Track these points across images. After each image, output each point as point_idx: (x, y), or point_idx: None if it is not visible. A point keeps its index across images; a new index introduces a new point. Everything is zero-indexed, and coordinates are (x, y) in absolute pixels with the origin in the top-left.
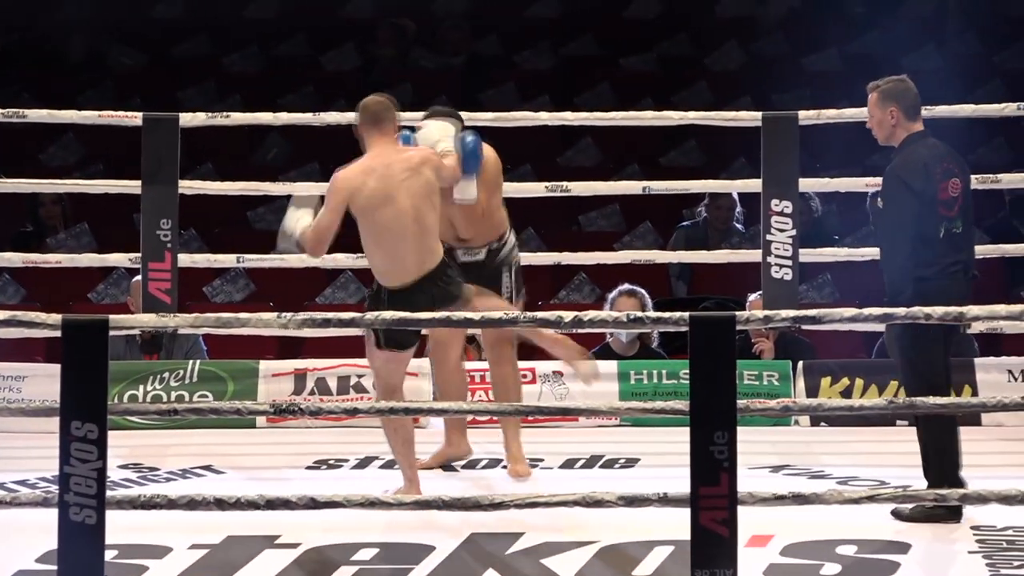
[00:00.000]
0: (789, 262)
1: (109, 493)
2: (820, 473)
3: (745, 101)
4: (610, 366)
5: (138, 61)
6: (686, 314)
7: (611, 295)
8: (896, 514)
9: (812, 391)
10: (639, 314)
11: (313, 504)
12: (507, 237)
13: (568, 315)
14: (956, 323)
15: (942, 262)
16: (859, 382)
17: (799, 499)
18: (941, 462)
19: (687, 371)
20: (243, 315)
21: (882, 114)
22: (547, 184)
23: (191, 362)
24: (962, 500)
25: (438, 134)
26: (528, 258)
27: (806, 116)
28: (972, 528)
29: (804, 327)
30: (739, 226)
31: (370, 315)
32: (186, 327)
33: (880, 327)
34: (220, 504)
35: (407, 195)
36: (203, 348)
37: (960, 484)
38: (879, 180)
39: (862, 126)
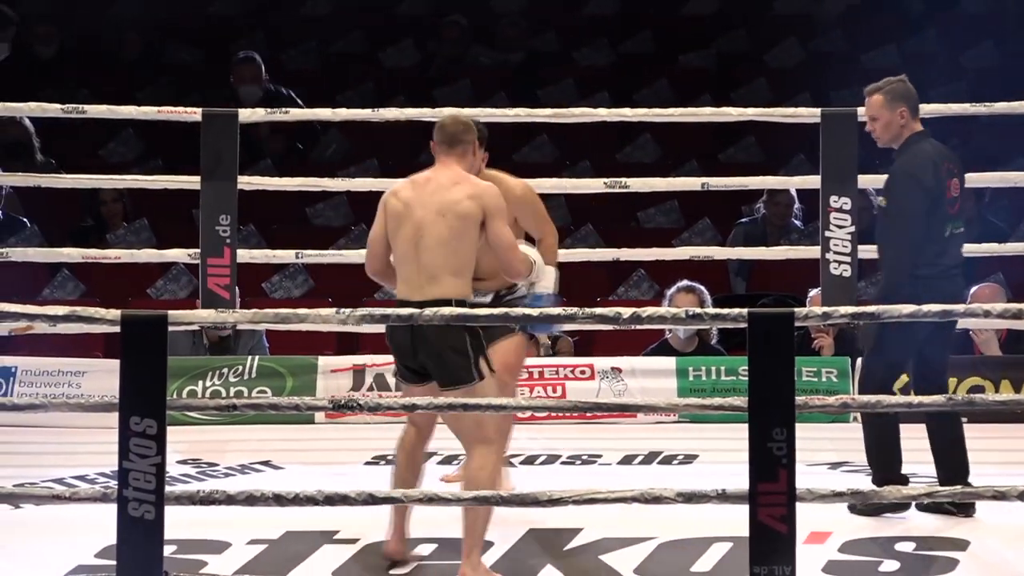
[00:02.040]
0: (848, 258)
1: (168, 488)
2: None
3: (804, 98)
4: (669, 362)
5: (196, 58)
6: (745, 310)
7: (669, 291)
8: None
9: None
10: (698, 310)
11: (372, 500)
12: (518, 289)
13: (626, 311)
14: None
15: (944, 263)
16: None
17: (858, 496)
18: (882, 459)
19: (746, 367)
20: (302, 311)
21: (891, 115)
22: (606, 180)
23: (250, 358)
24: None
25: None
26: (586, 254)
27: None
28: None
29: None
30: (798, 222)
31: (429, 311)
32: (245, 323)
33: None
34: (279, 500)
35: (429, 215)
36: (265, 345)
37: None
38: None
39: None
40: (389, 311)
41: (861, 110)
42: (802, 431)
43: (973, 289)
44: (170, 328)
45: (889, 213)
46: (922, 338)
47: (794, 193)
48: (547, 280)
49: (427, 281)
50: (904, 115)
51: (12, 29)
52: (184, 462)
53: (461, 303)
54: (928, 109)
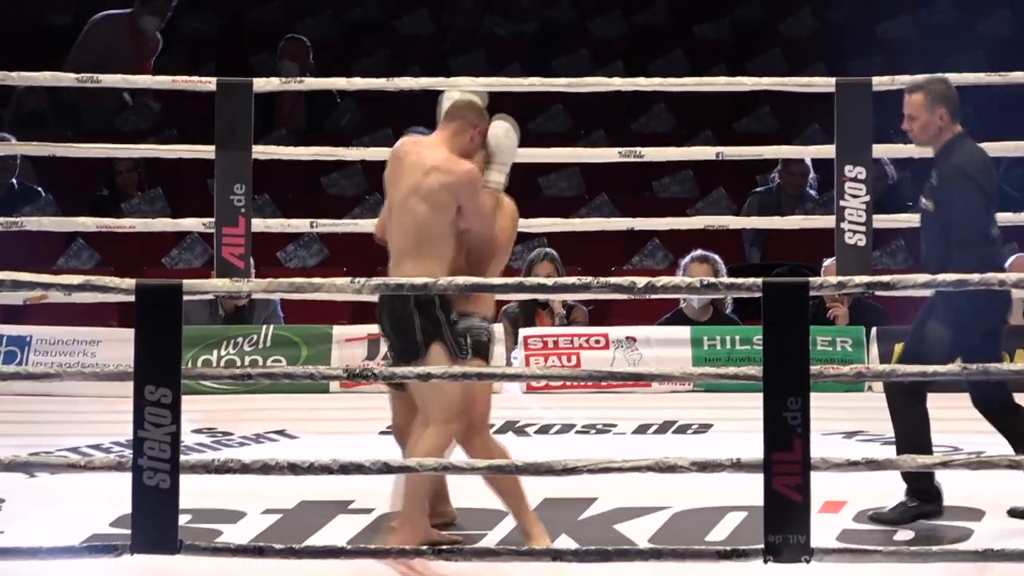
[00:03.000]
0: (863, 228)
1: (183, 457)
2: (893, 439)
3: (818, 67)
4: (683, 332)
5: (210, 26)
6: (759, 280)
7: (684, 261)
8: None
9: (885, 357)
10: (712, 280)
11: (387, 469)
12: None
13: (641, 281)
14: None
15: (999, 264)
16: None
17: (872, 465)
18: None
19: (760, 337)
20: (316, 280)
21: (931, 116)
22: (620, 150)
23: (265, 327)
24: None
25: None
26: (601, 224)
27: (880, 82)
28: None
29: (878, 293)
30: (812, 192)
31: (443, 280)
32: (259, 292)
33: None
34: (293, 469)
35: (400, 196)
36: (280, 315)
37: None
38: None
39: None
40: (404, 280)
41: (876, 79)
42: (817, 400)
43: (1011, 259)
44: (185, 297)
45: (946, 215)
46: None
47: (809, 163)
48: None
49: (396, 263)
50: (944, 117)
51: None
52: (199, 431)
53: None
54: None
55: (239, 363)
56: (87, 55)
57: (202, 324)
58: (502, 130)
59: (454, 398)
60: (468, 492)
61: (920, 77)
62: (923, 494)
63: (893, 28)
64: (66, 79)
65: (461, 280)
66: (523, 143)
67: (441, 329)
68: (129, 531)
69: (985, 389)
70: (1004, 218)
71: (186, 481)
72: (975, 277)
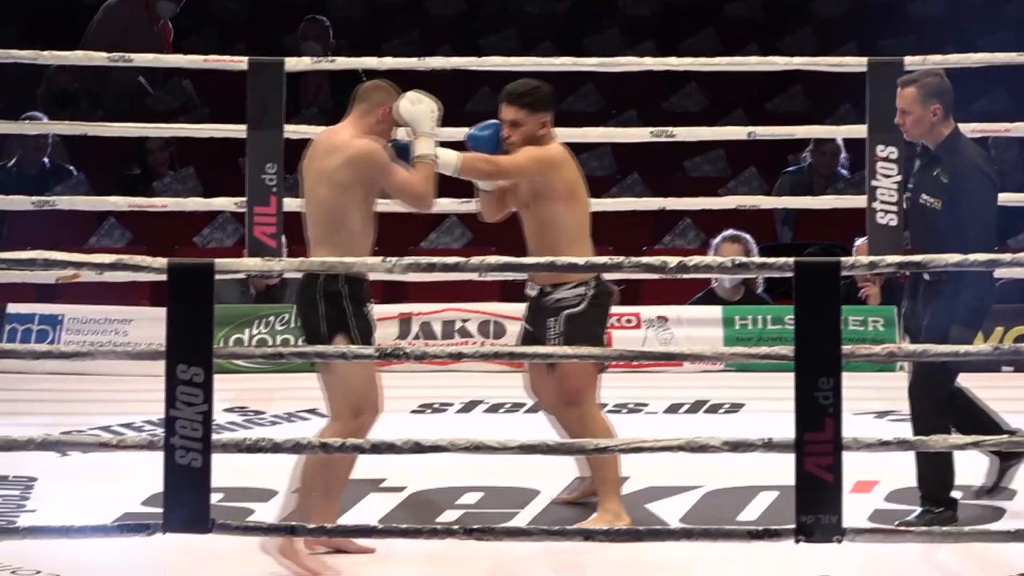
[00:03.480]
0: (894, 207)
1: (215, 436)
2: None
3: (850, 47)
4: (715, 311)
5: (242, 6)
6: (791, 259)
7: (715, 240)
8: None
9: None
10: (744, 259)
11: (418, 448)
12: (567, 287)
13: (673, 260)
14: None
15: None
16: None
17: (904, 445)
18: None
19: (792, 317)
20: (348, 260)
21: (924, 112)
22: (652, 129)
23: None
24: None
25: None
26: (632, 203)
27: (912, 61)
28: None
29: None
30: (844, 172)
31: (475, 259)
32: (291, 271)
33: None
34: (325, 448)
35: (310, 183)
36: None
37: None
38: (988, 126)
39: (968, 72)
40: (435, 260)
41: (908, 59)
42: (848, 380)
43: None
44: (216, 276)
45: (960, 213)
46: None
47: (840, 142)
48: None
49: (312, 253)
50: (937, 112)
51: None
52: (231, 410)
53: (332, 278)
54: (975, 59)
55: (271, 342)
56: (101, 39)
57: (233, 303)
58: (405, 100)
59: (360, 392)
60: (499, 471)
61: (918, 69)
62: (943, 502)
63: (924, 7)
64: (97, 58)
65: (493, 260)
66: (555, 122)
67: (346, 320)
68: (161, 510)
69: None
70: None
71: (218, 460)
72: (1006, 257)
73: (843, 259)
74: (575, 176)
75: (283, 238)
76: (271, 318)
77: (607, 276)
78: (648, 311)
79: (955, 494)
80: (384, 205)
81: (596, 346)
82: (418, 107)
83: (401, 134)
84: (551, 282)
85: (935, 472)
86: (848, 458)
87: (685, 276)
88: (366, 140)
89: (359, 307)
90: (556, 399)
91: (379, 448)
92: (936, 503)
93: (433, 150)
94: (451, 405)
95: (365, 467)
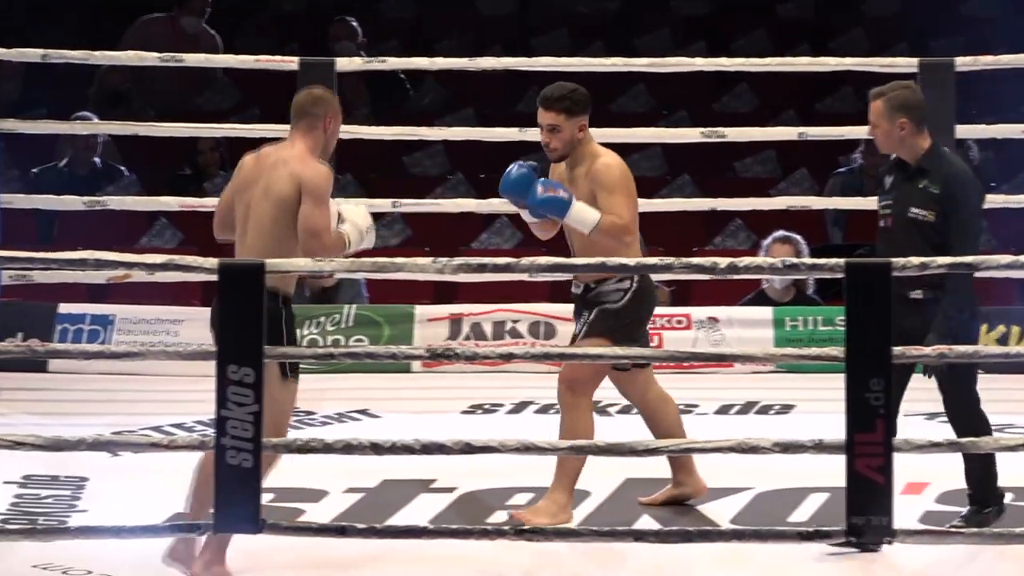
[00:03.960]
0: None
1: (265, 437)
2: None
3: (901, 47)
4: (765, 312)
5: (295, 5)
6: (841, 260)
7: (766, 242)
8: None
9: None
10: (794, 260)
11: (468, 449)
12: (610, 283)
13: (723, 261)
14: None
15: None
16: (1015, 329)
17: (955, 446)
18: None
19: (843, 317)
20: (399, 260)
21: (890, 126)
22: (702, 130)
23: (347, 307)
24: None
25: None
26: (683, 204)
27: (963, 62)
28: None
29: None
30: None
31: (526, 260)
32: (342, 271)
33: None
34: (376, 448)
35: (256, 196)
36: (365, 295)
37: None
38: None
39: (1020, 72)
40: (486, 260)
41: (959, 60)
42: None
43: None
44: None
45: (952, 224)
46: None
47: None
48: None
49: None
50: (904, 126)
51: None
52: None
53: (274, 295)
54: None
55: (321, 342)
56: (113, 80)
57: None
58: (352, 204)
59: (280, 420)
60: (550, 472)
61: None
62: (989, 501)
63: (977, 7)
64: (149, 59)
65: (544, 260)
66: (606, 123)
67: (280, 343)
68: (211, 510)
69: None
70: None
71: (269, 460)
72: None
73: (894, 260)
74: (632, 182)
75: None
76: (322, 318)
77: (656, 277)
78: (699, 312)
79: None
80: (435, 205)
81: (625, 343)
82: (360, 211)
83: None
84: (595, 279)
85: (982, 473)
86: (899, 459)
87: (736, 277)
88: (319, 163)
89: (292, 332)
90: (561, 378)
91: (429, 449)
92: (983, 503)
93: (352, 236)
94: (501, 406)
95: (415, 467)
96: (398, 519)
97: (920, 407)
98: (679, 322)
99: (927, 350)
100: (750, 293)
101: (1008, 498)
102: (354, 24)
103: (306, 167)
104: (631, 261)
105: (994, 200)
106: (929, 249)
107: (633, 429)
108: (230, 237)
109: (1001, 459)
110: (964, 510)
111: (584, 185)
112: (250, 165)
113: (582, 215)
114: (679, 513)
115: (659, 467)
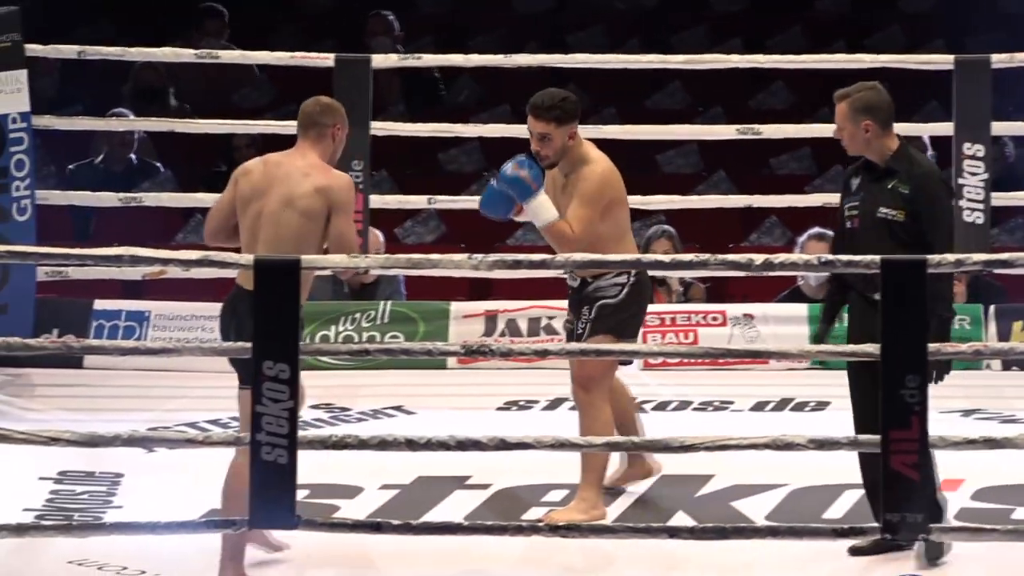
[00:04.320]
0: (981, 206)
1: (300, 433)
2: (1012, 417)
3: (938, 44)
4: (800, 309)
5: (333, 2)
6: (877, 257)
7: (801, 238)
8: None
9: (1003, 335)
10: (830, 257)
11: (503, 445)
12: (607, 278)
13: (759, 258)
14: None
15: None
16: None
17: (990, 443)
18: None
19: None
20: (434, 256)
21: (855, 128)
22: (738, 127)
23: (383, 303)
24: None
25: None
26: (718, 201)
27: (999, 59)
28: None
29: (996, 271)
30: None
31: (561, 256)
32: (377, 268)
33: None
34: (411, 445)
35: (272, 206)
36: (403, 292)
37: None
38: None
39: None
40: (521, 257)
41: (995, 57)
42: None
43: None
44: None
45: (924, 220)
46: None
47: (927, 140)
48: None
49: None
50: (869, 128)
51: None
52: (316, 407)
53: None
54: None
55: (357, 339)
56: (149, 77)
57: (326, 300)
58: None
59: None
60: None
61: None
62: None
63: (1015, 3)
64: (185, 55)
65: (579, 256)
66: (641, 120)
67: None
68: (247, 506)
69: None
70: None
71: (304, 456)
72: None
73: (929, 257)
74: (620, 187)
75: (369, 235)
76: (357, 315)
77: (696, 273)
78: (734, 309)
79: None
80: (467, 202)
81: (623, 336)
82: None
83: None
84: (591, 274)
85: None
86: (934, 456)
87: (771, 274)
88: (340, 174)
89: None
90: (573, 379)
91: (464, 445)
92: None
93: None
94: (536, 402)
95: (450, 464)
96: (433, 516)
97: (956, 404)
98: (714, 319)
99: (963, 347)
100: (785, 290)
101: None
102: (391, 19)
103: (332, 179)
104: (666, 258)
105: None
106: (899, 248)
107: (667, 426)
108: (223, 244)
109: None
110: (999, 507)
111: (572, 190)
112: (258, 172)
113: (540, 209)
114: (715, 509)
115: (696, 464)
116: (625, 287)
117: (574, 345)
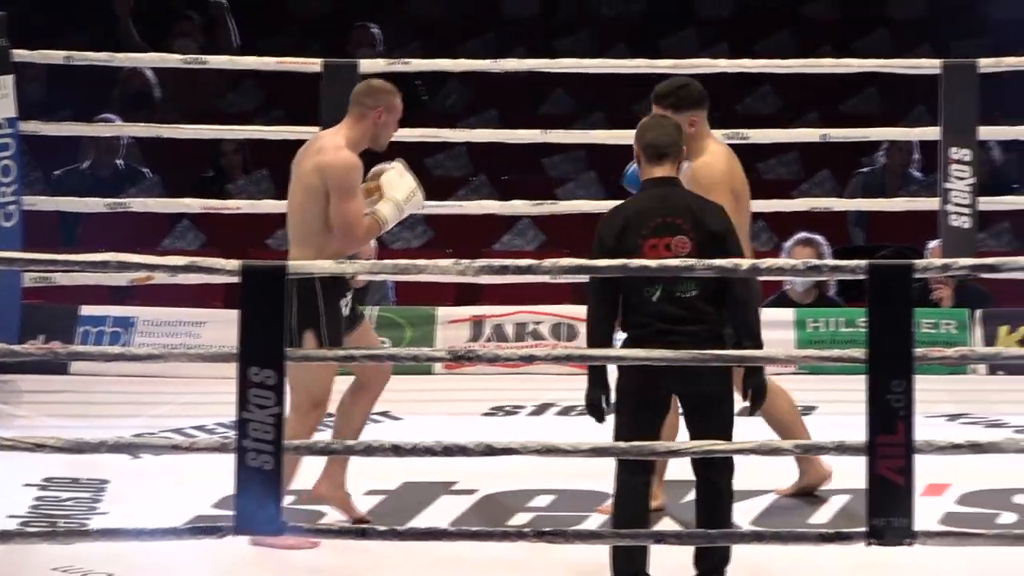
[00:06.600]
0: (968, 210)
1: (286, 439)
2: (997, 422)
3: (925, 48)
4: (787, 314)
5: (320, 7)
6: (864, 262)
7: (788, 243)
8: None
9: (990, 339)
10: (816, 262)
11: (490, 451)
12: None
13: (745, 263)
14: None
15: None
16: None
17: (976, 448)
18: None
19: (864, 319)
20: (421, 262)
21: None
22: (725, 131)
23: (369, 308)
24: None
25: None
26: None
27: (986, 64)
28: None
29: (982, 276)
30: (917, 174)
31: (548, 262)
32: (364, 273)
33: None
34: (397, 450)
35: (294, 180)
36: (391, 297)
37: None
38: None
39: None
40: (508, 262)
41: (982, 62)
42: (920, 383)
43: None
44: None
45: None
46: None
47: (914, 144)
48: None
49: (291, 251)
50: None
51: None
52: None
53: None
54: None
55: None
56: (137, 83)
57: None
58: (394, 172)
59: (323, 387)
60: (571, 474)
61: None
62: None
63: (1000, 9)
64: (172, 60)
65: (566, 262)
66: (629, 125)
67: (317, 317)
68: (232, 512)
69: None
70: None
71: (290, 462)
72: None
73: (916, 261)
74: (725, 183)
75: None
76: None
77: None
78: None
79: None
80: (454, 207)
81: None
82: (402, 179)
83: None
84: None
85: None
86: (920, 461)
87: (759, 278)
88: (346, 153)
89: (331, 305)
90: None
91: (451, 451)
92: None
93: (387, 214)
94: (523, 408)
95: (437, 469)
96: (419, 521)
97: (941, 408)
98: None
99: (949, 352)
100: (772, 295)
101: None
102: (374, 31)
103: (332, 158)
104: (652, 263)
105: (1016, 202)
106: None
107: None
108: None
109: (1020, 461)
110: (984, 511)
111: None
112: (300, 151)
113: None
114: None
115: (682, 469)
116: None
117: (560, 351)
